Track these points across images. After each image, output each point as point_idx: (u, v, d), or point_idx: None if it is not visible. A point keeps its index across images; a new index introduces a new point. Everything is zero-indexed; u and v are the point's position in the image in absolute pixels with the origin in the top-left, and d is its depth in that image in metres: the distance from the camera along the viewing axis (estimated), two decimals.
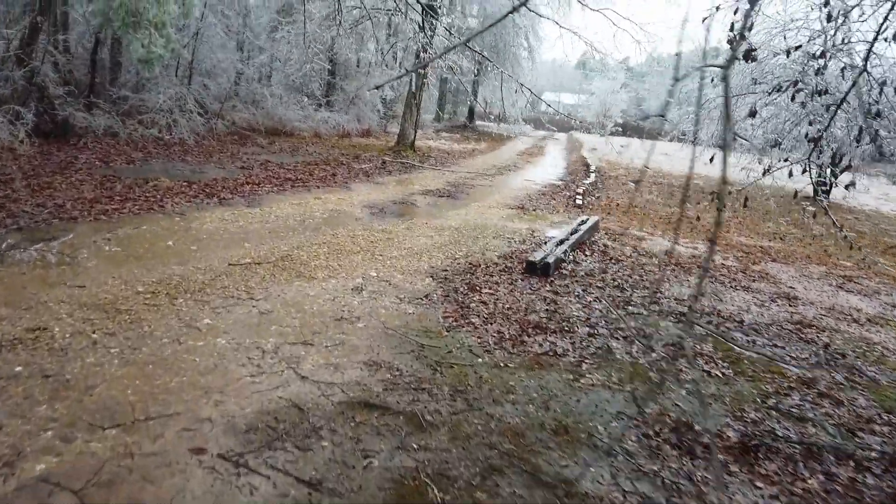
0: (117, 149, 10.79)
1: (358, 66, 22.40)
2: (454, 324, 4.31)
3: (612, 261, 6.65)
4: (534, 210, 9.64)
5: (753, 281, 6.56)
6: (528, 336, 4.15)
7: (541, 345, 4.02)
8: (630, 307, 5.04)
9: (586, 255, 6.75)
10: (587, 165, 18.24)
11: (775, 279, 6.75)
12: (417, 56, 15.64)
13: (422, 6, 14.45)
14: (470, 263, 6.02)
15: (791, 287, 6.49)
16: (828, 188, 16.33)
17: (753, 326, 4.85)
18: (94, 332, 3.59)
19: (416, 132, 16.41)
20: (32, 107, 9.71)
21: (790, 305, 5.73)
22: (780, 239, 9.41)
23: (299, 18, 16.30)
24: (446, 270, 5.71)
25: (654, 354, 3.98)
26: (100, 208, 6.67)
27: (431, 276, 5.48)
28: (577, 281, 5.68)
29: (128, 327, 3.71)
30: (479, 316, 4.51)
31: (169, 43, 12.15)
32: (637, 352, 4.02)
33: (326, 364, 3.49)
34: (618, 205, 11.21)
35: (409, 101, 15.87)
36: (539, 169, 17.21)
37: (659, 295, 5.49)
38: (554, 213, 9.47)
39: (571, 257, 6.41)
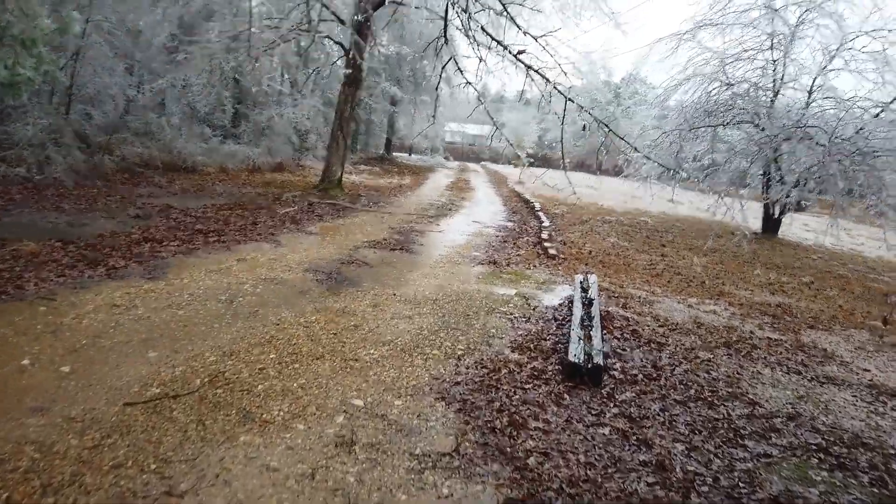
0: None
1: (267, 94, 20.22)
2: None
3: (652, 346, 5.13)
4: (508, 264, 8.06)
5: (821, 364, 5.26)
6: None
7: None
8: (745, 440, 3.49)
9: (616, 338, 5.21)
10: (527, 202, 17.05)
11: (840, 359, 5.49)
12: (345, 84, 13.85)
13: (353, 31, 12.79)
14: (482, 366, 4.29)
15: (866, 370, 5.24)
16: (776, 223, 16.04)
17: None
18: None
19: (343, 168, 14.54)
20: None
21: None
22: (783, 291, 8.35)
23: (202, 39, 14.10)
24: (458, 384, 3.95)
25: None
26: None
27: (443, 399, 3.70)
28: (640, 391, 4.09)
29: None
30: (555, 490, 2.79)
31: (41, 64, 9.82)
32: None
33: None
34: (590, 252, 9.88)
35: (334, 132, 14.00)
36: (479, 208, 15.77)
37: (761, 409, 4.00)
38: (532, 269, 7.94)
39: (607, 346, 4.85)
